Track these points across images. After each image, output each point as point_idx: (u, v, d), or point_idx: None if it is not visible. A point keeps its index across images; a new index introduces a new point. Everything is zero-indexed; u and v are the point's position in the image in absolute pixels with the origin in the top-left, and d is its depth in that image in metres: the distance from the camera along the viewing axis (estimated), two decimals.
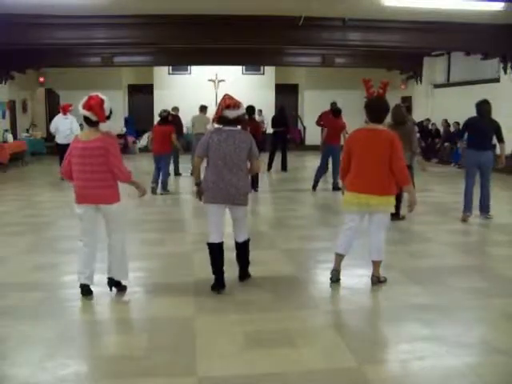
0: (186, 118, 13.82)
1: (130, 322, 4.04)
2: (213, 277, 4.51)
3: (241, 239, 4.69)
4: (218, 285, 4.49)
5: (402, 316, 4.05)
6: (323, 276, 5.12)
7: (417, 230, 7.10)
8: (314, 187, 10.26)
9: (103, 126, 4.24)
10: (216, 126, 4.50)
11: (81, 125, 13.51)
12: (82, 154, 4.18)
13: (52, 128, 11.99)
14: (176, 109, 13.09)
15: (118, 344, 3.56)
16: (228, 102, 4.37)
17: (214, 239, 4.49)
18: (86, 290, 4.41)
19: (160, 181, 10.02)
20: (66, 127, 11.56)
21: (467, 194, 7.43)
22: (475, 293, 4.54)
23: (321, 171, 10.39)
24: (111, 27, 11.76)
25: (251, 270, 4.91)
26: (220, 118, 4.41)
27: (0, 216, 7.85)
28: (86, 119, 4.17)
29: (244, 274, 4.84)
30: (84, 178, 4.23)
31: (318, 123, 13.31)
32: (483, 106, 7.31)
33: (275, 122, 13.48)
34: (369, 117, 4.56)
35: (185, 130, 14.45)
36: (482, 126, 7.25)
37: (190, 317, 3.99)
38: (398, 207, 6.88)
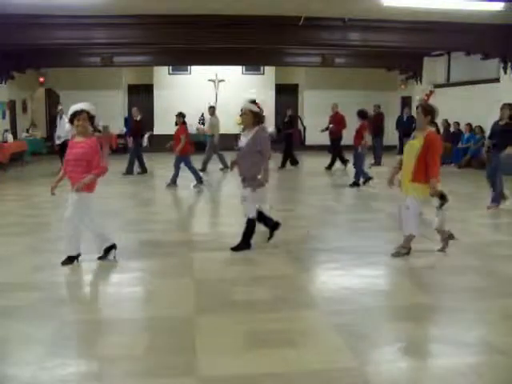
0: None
1: (129, 322, 4.03)
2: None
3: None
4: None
5: (402, 316, 4.05)
6: (323, 276, 5.13)
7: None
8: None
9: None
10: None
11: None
12: None
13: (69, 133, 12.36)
14: (134, 112, 12.65)
15: (118, 344, 3.55)
16: None
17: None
18: None
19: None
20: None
21: None
22: (476, 293, 4.53)
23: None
24: (111, 27, 11.76)
25: (251, 269, 5.02)
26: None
27: (0, 216, 7.85)
28: None
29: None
30: None
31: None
32: None
33: (289, 124, 14.32)
34: (432, 120, 5.32)
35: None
36: None
37: (190, 317, 3.98)
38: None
